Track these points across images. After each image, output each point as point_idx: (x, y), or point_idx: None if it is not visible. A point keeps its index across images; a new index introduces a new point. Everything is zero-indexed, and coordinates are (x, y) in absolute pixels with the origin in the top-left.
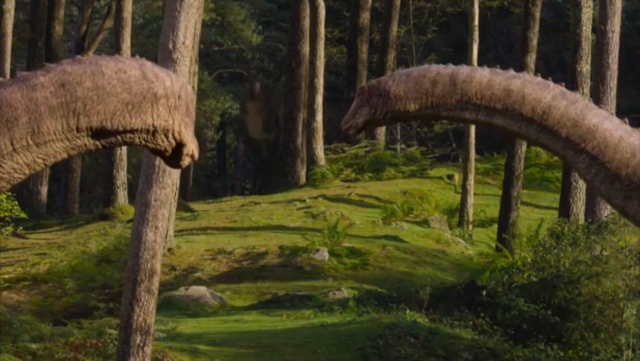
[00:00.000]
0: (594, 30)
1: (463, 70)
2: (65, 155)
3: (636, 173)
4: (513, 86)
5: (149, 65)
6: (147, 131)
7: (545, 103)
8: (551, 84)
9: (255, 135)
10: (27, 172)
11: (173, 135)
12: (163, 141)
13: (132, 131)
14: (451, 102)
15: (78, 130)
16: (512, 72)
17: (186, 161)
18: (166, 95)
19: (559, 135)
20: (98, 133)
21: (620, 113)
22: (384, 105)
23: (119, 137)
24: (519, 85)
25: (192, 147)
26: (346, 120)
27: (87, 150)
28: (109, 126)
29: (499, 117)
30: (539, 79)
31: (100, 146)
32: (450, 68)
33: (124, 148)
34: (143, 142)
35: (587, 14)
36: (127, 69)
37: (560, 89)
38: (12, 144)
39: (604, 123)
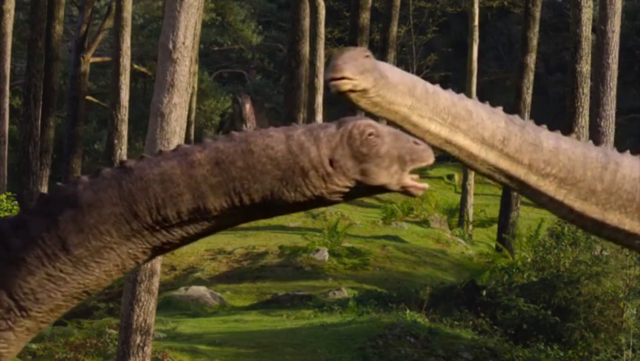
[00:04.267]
0: (594, 30)
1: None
2: (236, 224)
3: (614, 184)
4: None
5: (296, 135)
6: (313, 201)
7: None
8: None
9: None
10: (197, 238)
11: (344, 194)
12: (340, 198)
13: (298, 204)
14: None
15: (243, 206)
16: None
17: (417, 191)
18: (314, 167)
19: (520, 161)
20: (265, 207)
21: (620, 113)
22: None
23: (289, 209)
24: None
25: (410, 184)
26: (340, 68)
27: (256, 220)
28: (271, 202)
29: (460, 136)
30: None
31: (271, 216)
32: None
33: (124, 148)
34: (317, 207)
35: (587, 14)
36: (274, 145)
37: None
38: (180, 217)
39: (561, 143)
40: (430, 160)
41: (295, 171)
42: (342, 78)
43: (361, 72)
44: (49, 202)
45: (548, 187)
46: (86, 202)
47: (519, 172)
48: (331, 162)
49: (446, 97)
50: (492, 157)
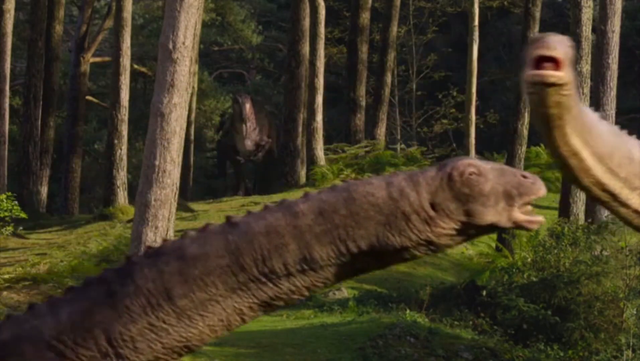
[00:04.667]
0: (594, 30)
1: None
2: (348, 277)
3: None
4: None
5: (396, 181)
6: (421, 245)
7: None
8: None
9: (246, 155)
10: (306, 293)
11: (453, 236)
12: (450, 241)
13: (406, 249)
14: None
15: (351, 254)
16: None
17: (531, 226)
18: (415, 211)
19: (618, 175)
20: (373, 253)
21: (620, 113)
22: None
23: (399, 255)
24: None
25: (505, 218)
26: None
27: (370, 270)
28: (379, 248)
29: (586, 149)
30: None
31: (384, 265)
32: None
33: (124, 148)
34: (431, 252)
35: (587, 14)
36: (374, 192)
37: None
38: (287, 268)
39: None
40: (541, 192)
41: (398, 215)
42: (551, 58)
43: (569, 61)
44: (155, 254)
45: (635, 200)
46: (192, 255)
47: (616, 186)
48: (433, 206)
49: (582, 109)
50: (599, 171)
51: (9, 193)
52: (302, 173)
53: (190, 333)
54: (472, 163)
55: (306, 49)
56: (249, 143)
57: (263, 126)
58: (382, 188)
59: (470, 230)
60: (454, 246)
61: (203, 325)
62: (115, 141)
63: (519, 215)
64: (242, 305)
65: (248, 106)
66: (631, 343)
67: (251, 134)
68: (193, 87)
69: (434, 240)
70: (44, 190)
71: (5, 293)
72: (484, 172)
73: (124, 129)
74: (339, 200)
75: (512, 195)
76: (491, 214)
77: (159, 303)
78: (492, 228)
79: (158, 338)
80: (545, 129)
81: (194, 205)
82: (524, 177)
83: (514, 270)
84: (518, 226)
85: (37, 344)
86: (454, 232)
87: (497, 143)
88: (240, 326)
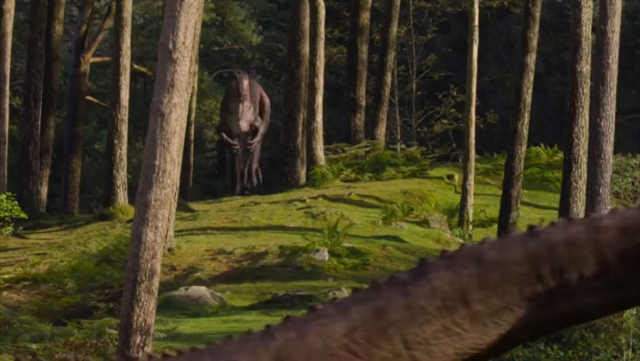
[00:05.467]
0: (594, 30)
1: None
2: (631, 305)
3: None
4: None
5: None
6: None
7: None
8: None
9: (241, 138)
10: (589, 316)
11: None
12: None
13: None
14: None
15: None
16: None
17: None
18: None
19: None
20: None
21: (620, 113)
22: None
23: None
24: None
25: None
26: None
27: None
28: None
29: None
30: None
31: None
32: None
33: (124, 148)
34: None
35: (587, 14)
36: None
37: None
38: (581, 282)
39: None
40: None
41: None
42: None
43: None
44: (452, 257)
45: None
46: (491, 260)
47: None
48: None
49: None
50: None
51: (9, 193)
52: (302, 173)
53: (482, 340)
54: None
55: (306, 49)
56: (244, 124)
57: (256, 104)
58: None
59: None
60: None
61: (496, 333)
62: (115, 141)
63: None
64: (535, 316)
65: (246, 82)
66: (631, 343)
67: (246, 114)
68: (193, 87)
69: None
70: (44, 190)
71: (5, 293)
72: None
73: (124, 129)
74: None
75: None
76: None
77: (455, 306)
78: None
79: (451, 342)
80: None
81: (194, 205)
82: None
83: None
84: None
85: (327, 340)
86: None
87: (497, 143)
88: (530, 340)
